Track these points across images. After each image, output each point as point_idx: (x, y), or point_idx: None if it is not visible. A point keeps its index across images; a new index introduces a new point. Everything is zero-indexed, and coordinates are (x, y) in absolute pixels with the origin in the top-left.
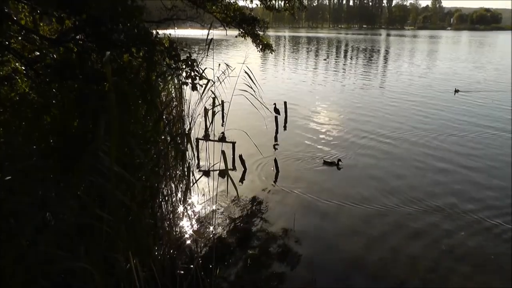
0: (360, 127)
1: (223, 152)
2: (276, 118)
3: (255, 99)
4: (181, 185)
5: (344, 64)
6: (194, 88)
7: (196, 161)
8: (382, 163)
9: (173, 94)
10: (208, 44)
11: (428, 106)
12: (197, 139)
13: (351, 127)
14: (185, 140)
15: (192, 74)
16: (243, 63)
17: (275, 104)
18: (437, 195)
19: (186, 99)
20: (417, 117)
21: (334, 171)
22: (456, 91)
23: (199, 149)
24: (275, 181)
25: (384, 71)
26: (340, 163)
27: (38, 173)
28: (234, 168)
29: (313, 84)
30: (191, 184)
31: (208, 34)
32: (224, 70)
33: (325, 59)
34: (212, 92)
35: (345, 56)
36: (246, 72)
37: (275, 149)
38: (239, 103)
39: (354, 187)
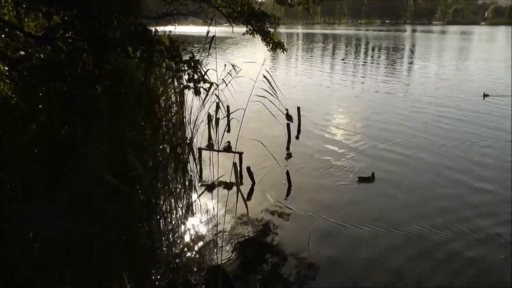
0: (380, 136)
1: (234, 165)
2: (288, 125)
3: (264, 105)
4: (181, 201)
5: (363, 65)
6: (197, 92)
7: (199, 173)
8: (404, 179)
9: (173, 99)
10: (210, 42)
11: (453, 113)
12: (200, 149)
13: (370, 137)
14: (187, 150)
15: (195, 76)
16: (251, 62)
17: (287, 110)
18: (467, 217)
19: (188, 105)
20: (441, 126)
21: (350, 187)
22: (485, 95)
23: (202, 161)
24: (286, 197)
25: (408, 72)
26: (373, 176)
27: (26, 185)
28: (241, 182)
29: (329, 88)
30: (193, 200)
31: (208, 30)
32: (230, 72)
33: (342, 59)
34: (217, 97)
35: (365, 56)
36: (265, 77)
37: (287, 160)
38: (247, 109)
39: (374, 207)
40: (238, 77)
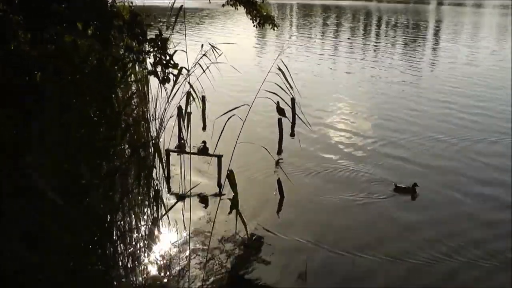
0: (393, 136)
1: (229, 176)
2: (279, 121)
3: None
4: (145, 216)
5: (375, 46)
6: (165, 80)
7: (167, 181)
8: (431, 196)
9: (134, 88)
10: (177, 15)
11: (488, 109)
12: (168, 151)
13: (381, 136)
14: (151, 153)
15: (164, 60)
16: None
17: (278, 102)
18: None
19: (153, 96)
20: (469, 126)
21: (356, 202)
22: None
23: (171, 165)
24: (278, 213)
25: (432, 56)
26: (416, 190)
27: None
28: (220, 193)
29: (331, 74)
30: (160, 216)
31: None
32: (205, 52)
33: (348, 38)
34: (190, 86)
35: (376, 35)
36: (280, 70)
37: (279, 164)
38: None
39: (385, 230)
40: (217, 62)
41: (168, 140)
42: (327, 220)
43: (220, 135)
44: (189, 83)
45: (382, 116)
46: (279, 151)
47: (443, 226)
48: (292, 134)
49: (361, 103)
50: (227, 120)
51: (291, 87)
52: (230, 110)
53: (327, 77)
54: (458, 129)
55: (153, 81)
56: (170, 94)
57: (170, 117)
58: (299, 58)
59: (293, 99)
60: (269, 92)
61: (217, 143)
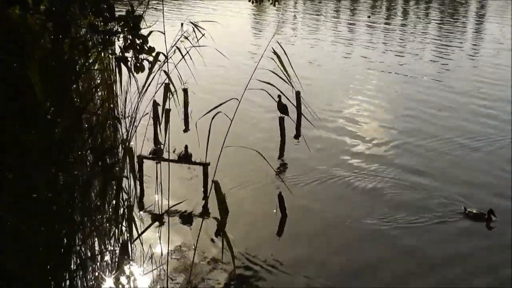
0: (419, 137)
1: (216, 190)
2: (281, 120)
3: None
4: (112, 240)
5: (401, 28)
6: (137, 68)
7: (140, 196)
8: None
9: (98, 80)
10: None
11: None
12: (142, 158)
13: (406, 140)
14: (121, 160)
15: (136, 43)
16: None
17: (279, 97)
18: None
19: (123, 88)
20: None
21: (385, 227)
22: None
23: (145, 176)
24: (279, 237)
25: (473, 41)
26: (493, 217)
27: None
28: (205, 210)
29: (344, 63)
30: (131, 239)
31: None
32: (185, 33)
33: (368, 17)
34: (168, 75)
35: (404, 13)
36: (275, 53)
37: (280, 173)
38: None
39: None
40: (201, 46)
41: (141, 144)
42: (345, 252)
43: (208, 139)
44: (166, 72)
45: (406, 115)
46: (281, 157)
47: None
48: (297, 136)
49: (381, 99)
50: (212, 118)
51: (289, 76)
52: (217, 106)
53: (339, 66)
54: (490, 130)
55: (123, 70)
56: (144, 86)
57: (144, 115)
58: (304, 42)
59: (298, 93)
60: (266, 83)
61: (207, 148)
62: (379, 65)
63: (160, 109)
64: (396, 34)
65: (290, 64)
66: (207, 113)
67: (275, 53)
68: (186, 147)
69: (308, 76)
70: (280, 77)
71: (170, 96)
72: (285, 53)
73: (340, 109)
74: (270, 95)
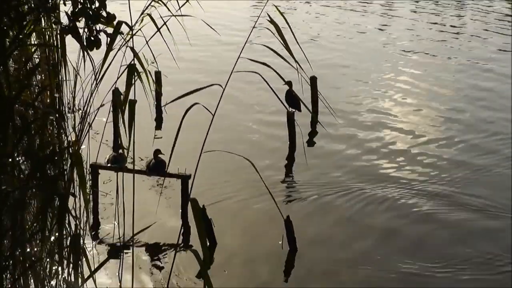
0: (474, 145)
1: (194, 211)
2: (290, 117)
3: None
4: (53, 282)
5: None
6: (92, 44)
7: (94, 221)
8: None
9: (36, 59)
10: None
11: None
12: (96, 167)
13: (455, 143)
14: (68, 170)
15: (90, 8)
16: None
17: (289, 84)
18: None
19: (71, 71)
20: None
21: (425, 271)
22: None
23: (100, 193)
24: (286, 280)
25: None
26: None
27: None
28: (183, 241)
29: (377, 35)
30: (80, 280)
31: None
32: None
33: None
34: (135, 54)
35: None
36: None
37: (288, 191)
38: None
39: None
40: (182, 16)
41: (96, 148)
42: None
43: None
44: (133, 49)
45: (456, 111)
46: (290, 165)
47: None
48: (313, 136)
49: (421, 91)
50: (186, 112)
51: (293, 56)
52: (189, 93)
53: (365, 43)
54: None
55: (72, 46)
56: (101, 68)
57: (100, 107)
58: (307, 9)
59: (314, 80)
60: (262, 64)
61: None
62: (419, 47)
63: (121, 99)
64: (448, 10)
65: (296, 39)
66: (173, 100)
67: (272, 22)
68: (157, 152)
69: (324, 58)
70: (282, 57)
71: (136, 79)
72: (287, 22)
73: (362, 102)
74: (268, 84)
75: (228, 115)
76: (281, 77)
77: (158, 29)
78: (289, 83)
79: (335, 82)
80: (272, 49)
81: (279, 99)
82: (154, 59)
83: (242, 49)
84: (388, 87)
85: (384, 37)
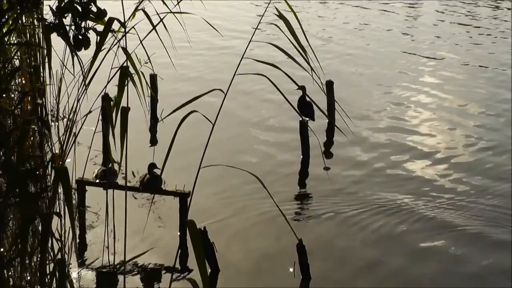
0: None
1: (191, 233)
2: (303, 126)
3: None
4: None
5: None
6: (80, 43)
7: (79, 245)
8: None
9: (16, 60)
10: None
11: None
12: (83, 183)
13: (494, 156)
14: (50, 186)
15: (79, 3)
16: None
17: (302, 90)
18: None
19: (56, 74)
20: None
21: None
22: None
23: (87, 212)
24: None
25: None
26: None
27: None
28: (182, 264)
29: (384, 36)
30: None
31: None
32: None
33: None
34: (127, 54)
35: None
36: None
37: (300, 209)
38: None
39: None
40: (181, 12)
41: (82, 161)
42: None
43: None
44: (125, 49)
45: (487, 128)
46: (303, 181)
47: None
48: (329, 146)
49: (450, 99)
50: (182, 121)
51: (305, 53)
52: (189, 102)
53: (386, 47)
54: None
55: (57, 45)
56: (89, 70)
57: (87, 115)
58: (331, 9)
59: (330, 84)
60: (270, 65)
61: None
62: (439, 47)
63: (112, 106)
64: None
65: (307, 39)
66: (170, 113)
67: (281, 16)
68: (152, 166)
69: (343, 58)
70: (292, 58)
71: (129, 84)
72: (297, 19)
73: (382, 111)
74: (278, 88)
75: (231, 123)
76: (292, 80)
77: (154, 27)
78: (302, 88)
79: (352, 88)
80: (280, 48)
81: (292, 106)
82: (149, 60)
83: (246, 49)
84: (413, 96)
85: (407, 40)
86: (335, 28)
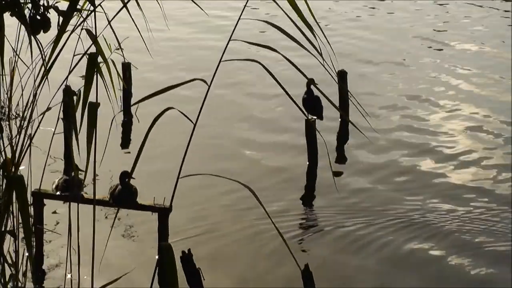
0: None
1: (165, 261)
2: (310, 127)
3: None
4: None
5: None
6: (38, 25)
7: (36, 270)
8: None
9: None
10: None
11: None
12: (41, 196)
13: None
14: (1, 198)
15: None
16: None
17: (311, 83)
18: None
19: (10, 62)
20: None
21: None
22: None
23: (46, 232)
24: None
25: None
26: None
27: None
28: None
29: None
30: None
31: None
32: None
33: None
34: (92, 38)
35: None
36: None
37: (303, 226)
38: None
39: None
40: None
41: (40, 169)
42: None
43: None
44: (89, 32)
45: None
46: (309, 193)
47: None
48: (341, 151)
49: (481, 107)
50: (155, 119)
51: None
52: (163, 90)
53: (403, 32)
54: None
55: (10, 28)
56: (49, 59)
57: (45, 112)
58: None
59: (343, 74)
60: (266, 47)
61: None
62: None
63: (75, 101)
64: None
65: (312, 13)
66: (142, 99)
67: None
68: (125, 175)
69: (356, 46)
70: (295, 40)
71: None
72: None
73: (401, 107)
74: (276, 78)
75: (218, 122)
76: (297, 67)
77: (125, 4)
78: (311, 81)
79: (364, 82)
80: (278, 27)
81: (295, 103)
82: (120, 46)
83: (234, 29)
84: (436, 92)
85: (438, 40)
86: (345, 18)
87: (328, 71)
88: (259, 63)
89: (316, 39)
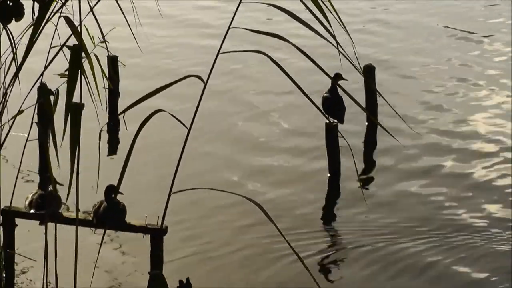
0: None
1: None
2: (331, 131)
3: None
4: None
5: None
6: (12, 12)
7: None
8: None
9: None
10: None
11: None
12: (11, 215)
13: None
14: None
15: None
16: None
17: (338, 78)
18: None
19: None
20: None
21: None
22: None
23: (17, 253)
24: None
25: None
26: None
27: None
28: None
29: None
30: None
31: None
32: None
33: None
34: (73, 29)
35: None
36: None
37: (323, 246)
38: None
39: None
40: None
41: (11, 182)
42: None
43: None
44: (69, 20)
45: None
46: (331, 206)
47: None
48: (369, 158)
49: None
50: (142, 124)
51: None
52: (152, 93)
53: (438, 27)
54: None
55: None
56: (25, 54)
57: (16, 116)
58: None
59: (370, 70)
60: (275, 36)
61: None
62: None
63: (51, 101)
64: None
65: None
66: (131, 105)
67: None
68: (110, 190)
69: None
70: (310, 27)
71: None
72: None
73: (437, 106)
74: (286, 72)
75: (216, 123)
76: (315, 63)
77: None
78: (339, 76)
79: (394, 78)
80: (288, 12)
81: (314, 104)
82: (104, 39)
83: (234, 15)
84: (476, 90)
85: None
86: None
87: (352, 62)
88: (267, 55)
89: (330, 27)
